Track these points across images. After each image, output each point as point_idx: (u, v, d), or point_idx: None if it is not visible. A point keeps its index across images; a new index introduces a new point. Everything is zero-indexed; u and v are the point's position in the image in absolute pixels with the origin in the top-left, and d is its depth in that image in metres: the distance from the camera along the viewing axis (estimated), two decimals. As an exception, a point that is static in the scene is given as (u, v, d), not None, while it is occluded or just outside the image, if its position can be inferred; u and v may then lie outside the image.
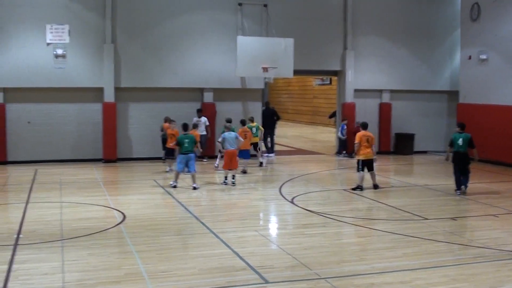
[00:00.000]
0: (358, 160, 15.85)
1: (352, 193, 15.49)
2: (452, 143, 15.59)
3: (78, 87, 20.99)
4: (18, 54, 20.25)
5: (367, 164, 15.80)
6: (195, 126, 19.43)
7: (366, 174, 15.85)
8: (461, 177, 15.44)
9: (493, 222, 12.15)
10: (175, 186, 15.85)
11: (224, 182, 16.52)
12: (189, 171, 15.90)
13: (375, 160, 16.04)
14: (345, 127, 23.34)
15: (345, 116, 23.67)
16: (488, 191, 16.13)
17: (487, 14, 22.04)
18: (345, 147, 23.35)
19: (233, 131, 17.33)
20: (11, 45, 20.21)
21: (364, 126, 16.16)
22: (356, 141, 15.79)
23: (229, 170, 16.51)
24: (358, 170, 15.84)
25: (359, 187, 15.74)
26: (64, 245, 10.02)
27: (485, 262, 9.20)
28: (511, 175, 19.15)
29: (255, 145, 20.38)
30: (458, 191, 15.38)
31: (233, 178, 16.50)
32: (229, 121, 18.07)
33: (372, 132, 24.12)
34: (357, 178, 15.90)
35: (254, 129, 20.16)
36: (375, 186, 16.00)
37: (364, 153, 15.72)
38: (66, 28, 20.57)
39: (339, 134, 23.56)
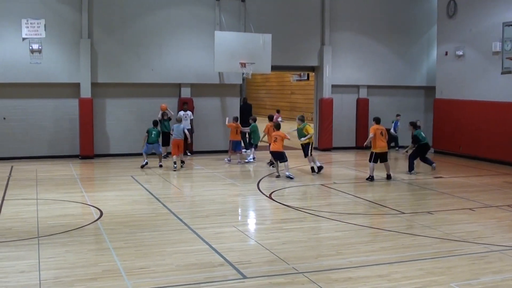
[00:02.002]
0: (372, 152, 16.69)
1: (330, 188, 15.54)
2: (417, 140, 17.94)
3: (54, 83, 20.79)
4: (-7, 49, 20.04)
5: (381, 156, 16.72)
6: (180, 120, 19.65)
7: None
8: (424, 161, 18.32)
9: (469, 216, 12.27)
10: (146, 164, 18.63)
11: (174, 167, 18.43)
12: (158, 153, 19.20)
13: (388, 152, 17.14)
14: (398, 123, 23.73)
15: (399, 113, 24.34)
16: (464, 185, 16.29)
17: (463, 10, 22.23)
18: (397, 142, 23.87)
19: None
20: (-15, 40, 19.99)
21: (378, 120, 17.06)
22: (371, 133, 16.61)
23: (177, 156, 18.65)
24: (370, 161, 16.73)
25: (371, 177, 16.68)
26: (40, 242, 9.92)
27: (461, 255, 9.29)
28: (486, 169, 19.35)
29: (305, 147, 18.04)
30: (413, 172, 17.97)
31: (182, 163, 19.02)
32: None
33: (349, 128, 24.66)
34: (369, 169, 16.79)
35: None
36: (389, 177, 16.91)
37: (380, 146, 16.59)
38: (42, 22, 20.36)
39: (392, 130, 23.48)
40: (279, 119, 30.09)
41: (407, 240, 10.28)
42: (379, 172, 17.03)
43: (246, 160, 20.42)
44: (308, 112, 36.29)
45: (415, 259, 9.08)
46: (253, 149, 20.90)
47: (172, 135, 19.23)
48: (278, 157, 17.09)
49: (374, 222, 11.68)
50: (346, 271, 8.50)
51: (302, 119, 17.99)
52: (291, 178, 16.66)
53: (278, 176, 16.97)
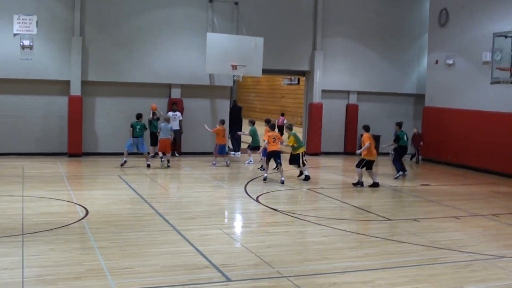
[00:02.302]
0: (363, 159, 16.52)
1: (317, 192, 15.55)
2: (398, 139, 18.65)
3: (44, 79, 20.71)
4: (-17, 45, 19.94)
5: (370, 164, 16.67)
6: (167, 120, 19.81)
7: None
8: (400, 165, 18.70)
9: (455, 224, 12.32)
10: (125, 162, 18.64)
11: (161, 161, 19.14)
12: (142, 152, 18.97)
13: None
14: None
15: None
16: (450, 193, 16.36)
17: (455, 20, 22.34)
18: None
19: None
20: (-24, 35, 19.88)
21: (368, 128, 16.96)
22: (367, 142, 16.37)
23: (164, 154, 19.14)
24: (359, 167, 16.63)
25: (361, 183, 16.66)
26: (24, 239, 9.87)
27: (445, 263, 9.33)
28: (473, 178, 19.43)
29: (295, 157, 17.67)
30: (402, 174, 18.58)
31: (168, 162, 19.17)
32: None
33: (338, 133, 24.70)
34: (358, 175, 16.77)
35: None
36: (376, 184, 16.72)
37: (374, 154, 16.68)
38: (34, 19, 20.27)
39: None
40: (284, 121, 30.40)
41: (392, 246, 10.30)
42: (364, 178, 17.06)
43: (246, 162, 20.62)
44: (297, 117, 36.43)
45: (399, 266, 9.10)
46: (249, 151, 21.00)
47: (159, 134, 19.43)
48: (278, 156, 16.91)
49: (360, 228, 11.70)
50: (331, 276, 8.51)
51: (290, 128, 17.98)
52: (282, 183, 16.61)
53: (283, 182, 16.61)
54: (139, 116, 18.99)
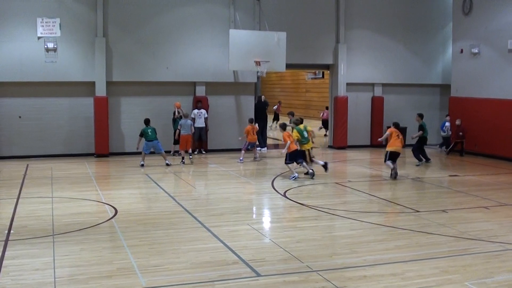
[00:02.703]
0: (387, 151, 16.87)
1: (345, 186, 15.49)
2: (424, 128, 19.46)
3: (69, 81, 20.92)
4: (8, 48, 20.18)
5: (395, 155, 16.83)
6: (186, 116, 19.99)
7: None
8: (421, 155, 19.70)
9: (484, 214, 12.19)
10: (142, 165, 18.69)
11: (182, 161, 19.33)
12: (159, 152, 19.04)
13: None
14: (447, 123, 22.85)
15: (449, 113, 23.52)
16: (479, 183, 16.19)
17: (479, 8, 22.07)
18: (447, 144, 22.90)
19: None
20: (1, 39, 20.12)
21: (397, 125, 17.34)
22: (388, 131, 17.10)
23: (185, 151, 19.43)
24: (386, 161, 16.86)
25: (395, 173, 16.76)
26: (55, 240, 9.99)
27: (476, 254, 9.24)
28: (502, 168, 19.21)
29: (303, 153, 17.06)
30: (424, 161, 19.62)
31: (190, 156, 19.54)
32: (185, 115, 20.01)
33: (364, 126, 24.57)
34: (389, 167, 16.94)
35: (305, 132, 17.00)
36: (395, 175, 16.83)
37: (395, 145, 16.80)
38: (57, 21, 20.48)
39: (441, 131, 23.21)
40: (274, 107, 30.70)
41: (421, 238, 10.23)
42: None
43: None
44: (316, 110, 36.37)
45: (429, 257, 9.04)
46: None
47: (179, 130, 19.46)
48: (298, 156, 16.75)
49: (388, 221, 11.64)
50: (360, 269, 8.48)
51: (296, 123, 17.22)
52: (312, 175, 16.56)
53: (312, 175, 16.58)
54: (147, 122, 19.05)
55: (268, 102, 25.37)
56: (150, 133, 18.68)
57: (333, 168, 19.58)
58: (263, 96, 25.03)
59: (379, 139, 18.45)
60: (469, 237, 10.27)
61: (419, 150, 19.83)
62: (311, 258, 8.95)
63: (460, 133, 22.09)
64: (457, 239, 10.15)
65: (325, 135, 29.79)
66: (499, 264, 8.77)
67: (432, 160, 20.11)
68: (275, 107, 35.61)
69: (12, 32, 20.18)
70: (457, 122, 22.29)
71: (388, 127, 17.62)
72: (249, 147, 20.31)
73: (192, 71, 22.13)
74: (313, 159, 17.22)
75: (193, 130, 19.76)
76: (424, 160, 19.72)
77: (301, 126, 16.94)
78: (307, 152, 16.87)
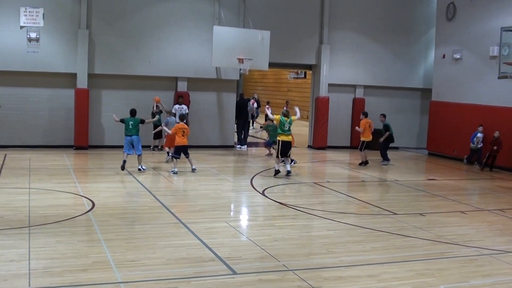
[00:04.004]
0: (364, 142, 19.45)
1: (323, 186, 15.53)
2: (389, 128, 20.19)
3: (51, 72, 20.74)
4: (-10, 37, 19.97)
5: (368, 145, 19.59)
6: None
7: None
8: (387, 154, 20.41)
9: (461, 219, 12.29)
10: (124, 163, 16.37)
11: (167, 158, 18.63)
12: (138, 153, 16.65)
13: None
14: (478, 134, 20.54)
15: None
16: (457, 188, 16.34)
17: (462, 13, 22.24)
18: (478, 157, 20.58)
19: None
20: (-17, 27, 19.91)
21: (366, 114, 20.31)
22: (362, 127, 19.62)
23: (170, 148, 18.24)
24: (361, 150, 19.51)
25: (364, 162, 19.56)
26: (31, 232, 9.90)
27: (452, 258, 9.32)
28: (479, 172, 19.37)
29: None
30: (389, 161, 20.23)
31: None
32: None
33: (344, 127, 24.67)
34: (361, 156, 19.68)
35: (287, 125, 16.73)
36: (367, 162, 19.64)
37: (368, 136, 19.63)
38: (41, 11, 20.29)
39: (471, 143, 20.76)
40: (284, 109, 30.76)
41: (398, 241, 10.29)
42: (371, 172, 17.04)
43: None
44: (304, 111, 36.32)
45: (406, 260, 9.09)
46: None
47: (162, 126, 18.47)
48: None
49: (366, 222, 11.69)
50: (336, 270, 8.51)
51: (283, 113, 17.03)
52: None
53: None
54: (133, 112, 16.83)
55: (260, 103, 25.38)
56: (130, 126, 16.46)
57: (312, 168, 19.68)
58: (255, 95, 25.05)
59: (357, 129, 20.11)
60: (445, 241, 10.35)
61: (386, 148, 20.32)
62: (287, 257, 8.96)
63: (495, 147, 19.54)
64: (434, 243, 10.22)
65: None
66: (474, 268, 8.85)
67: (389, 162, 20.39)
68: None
69: (-6, 21, 19.98)
70: (496, 134, 19.60)
71: (362, 118, 20.06)
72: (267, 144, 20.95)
73: (175, 66, 22.05)
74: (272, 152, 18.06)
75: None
76: (387, 161, 20.25)
77: (285, 118, 16.75)
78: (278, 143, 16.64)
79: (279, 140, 16.58)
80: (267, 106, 31.52)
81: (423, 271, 8.59)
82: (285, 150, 16.55)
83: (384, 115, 20.65)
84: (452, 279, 8.30)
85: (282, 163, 16.72)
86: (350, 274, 8.34)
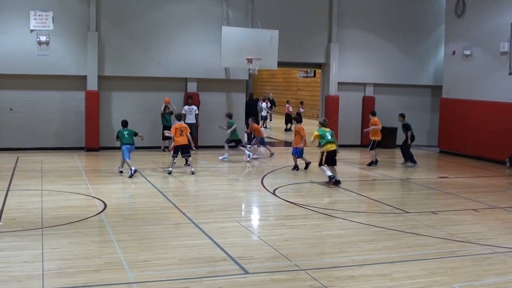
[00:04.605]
0: (375, 141, 19.04)
1: (331, 186, 15.46)
2: (410, 127, 19.46)
3: (61, 75, 20.86)
4: (0, 40, 20.09)
5: (379, 144, 19.44)
6: (179, 117, 17.83)
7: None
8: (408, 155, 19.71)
9: (473, 217, 12.24)
10: (135, 171, 16.15)
11: (172, 165, 17.05)
12: (124, 158, 16.39)
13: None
14: None
15: None
16: (469, 185, 16.25)
17: (472, 10, 22.14)
18: None
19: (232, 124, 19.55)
20: (-7, 30, 20.02)
21: (375, 113, 19.95)
22: (377, 125, 19.13)
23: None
24: (373, 149, 19.13)
25: (375, 162, 19.25)
26: (44, 233, 9.96)
27: (464, 256, 9.27)
28: (492, 170, 19.28)
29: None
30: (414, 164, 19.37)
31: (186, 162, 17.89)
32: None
33: (355, 126, 24.61)
34: (372, 155, 19.32)
35: (329, 135, 15.70)
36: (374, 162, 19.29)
37: (380, 135, 19.32)
38: (50, 14, 20.39)
39: None
40: (290, 109, 31.28)
41: (410, 239, 10.26)
42: (381, 171, 17.00)
43: (221, 158, 19.66)
44: (313, 109, 36.36)
45: (418, 259, 9.06)
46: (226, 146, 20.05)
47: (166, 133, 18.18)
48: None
49: (377, 221, 11.66)
50: (348, 269, 8.49)
51: (322, 123, 16.15)
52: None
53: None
54: (124, 123, 16.91)
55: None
56: (127, 136, 16.54)
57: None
58: (270, 95, 25.09)
59: (365, 130, 20.00)
60: (458, 239, 10.30)
61: (408, 149, 19.59)
62: (299, 257, 8.96)
63: None
64: (446, 241, 10.18)
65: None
66: (487, 267, 8.81)
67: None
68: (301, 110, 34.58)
69: (5, 24, 20.07)
70: None
71: (372, 116, 19.69)
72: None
73: (184, 67, 22.10)
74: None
75: (189, 138, 17.51)
76: (414, 163, 19.33)
77: (325, 128, 15.83)
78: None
79: (325, 151, 15.52)
80: (286, 105, 32.08)
81: (435, 269, 8.56)
82: (332, 158, 15.60)
83: (402, 115, 19.91)
84: (465, 278, 8.26)
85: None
86: (362, 273, 8.32)
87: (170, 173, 16.57)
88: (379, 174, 17.80)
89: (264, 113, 35.14)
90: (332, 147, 15.52)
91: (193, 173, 16.78)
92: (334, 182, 15.34)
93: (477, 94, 21.88)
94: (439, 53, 25.21)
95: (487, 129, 21.10)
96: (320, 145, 15.81)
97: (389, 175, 17.64)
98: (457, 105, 22.79)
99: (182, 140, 16.69)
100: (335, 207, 12.94)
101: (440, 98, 24.10)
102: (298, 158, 18.03)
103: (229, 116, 19.90)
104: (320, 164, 15.64)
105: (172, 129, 16.89)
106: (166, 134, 18.36)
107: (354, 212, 12.38)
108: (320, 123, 16.28)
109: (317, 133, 15.70)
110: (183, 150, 16.82)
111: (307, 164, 18.13)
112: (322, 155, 15.58)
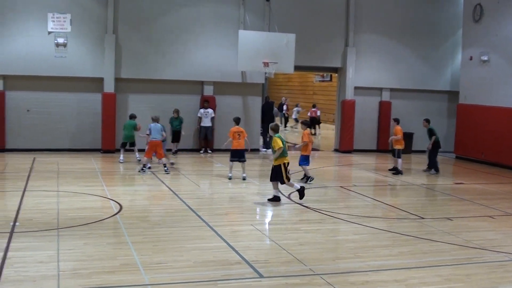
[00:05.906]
0: (400, 150, 18.42)
1: (349, 190, 15.45)
2: (434, 133, 18.80)
3: (78, 77, 20.98)
4: (19, 42, 20.23)
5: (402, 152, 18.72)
6: (156, 120, 17.57)
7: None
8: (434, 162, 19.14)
9: (489, 224, 12.15)
10: (148, 167, 17.23)
11: (142, 169, 17.06)
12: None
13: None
14: None
15: None
16: (485, 192, 16.13)
17: (489, 15, 22.00)
18: None
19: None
20: (12, 32, 20.15)
21: (399, 121, 19.22)
22: (399, 135, 18.46)
23: (150, 158, 17.47)
24: (400, 157, 18.41)
25: (400, 172, 18.44)
26: (60, 234, 10.01)
27: (480, 263, 9.21)
28: (508, 176, 19.14)
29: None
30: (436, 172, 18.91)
31: (164, 167, 17.12)
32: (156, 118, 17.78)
33: (371, 131, 24.54)
34: (398, 164, 18.53)
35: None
36: (397, 170, 18.58)
37: (403, 144, 18.79)
38: (68, 17, 20.53)
39: None
40: (318, 113, 31.48)
41: (425, 245, 10.20)
42: (397, 176, 16.92)
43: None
44: (330, 114, 36.26)
45: (433, 265, 9.01)
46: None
47: (148, 135, 17.26)
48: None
49: (393, 226, 11.62)
50: (363, 274, 8.47)
51: (274, 129, 13.99)
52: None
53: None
54: (132, 116, 18.91)
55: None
56: (126, 131, 17.45)
57: (338, 172, 19.61)
58: (287, 100, 25.07)
59: (394, 137, 18.68)
60: (473, 246, 10.23)
61: (435, 156, 19.11)
62: (314, 261, 8.94)
63: None
64: (461, 248, 10.12)
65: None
66: (503, 274, 8.74)
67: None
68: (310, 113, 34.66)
69: (23, 26, 20.23)
70: None
71: (395, 123, 19.06)
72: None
73: (200, 71, 22.16)
74: (289, 175, 13.73)
75: (164, 135, 17.55)
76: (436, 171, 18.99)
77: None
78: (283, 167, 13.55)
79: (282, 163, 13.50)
80: (313, 108, 32.36)
81: (450, 276, 8.52)
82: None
83: (427, 120, 19.36)
84: (481, 285, 8.20)
85: None
86: (376, 278, 8.29)
87: (230, 178, 16.42)
88: (394, 179, 17.72)
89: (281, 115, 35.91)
90: (287, 159, 13.68)
91: (244, 179, 16.42)
92: (275, 198, 13.68)
93: (494, 100, 21.73)
94: (456, 58, 25.07)
95: (504, 135, 20.94)
96: (277, 156, 13.44)
97: (405, 180, 17.56)
98: (474, 111, 22.65)
99: (239, 144, 16.34)
100: (350, 212, 12.90)
101: (457, 104, 23.96)
102: (300, 166, 16.56)
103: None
104: (288, 180, 13.58)
105: (230, 132, 16.51)
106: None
107: (370, 217, 12.34)
108: (271, 128, 14.01)
109: (280, 142, 13.38)
110: (240, 155, 16.49)
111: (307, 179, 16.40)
112: (282, 168, 13.46)
